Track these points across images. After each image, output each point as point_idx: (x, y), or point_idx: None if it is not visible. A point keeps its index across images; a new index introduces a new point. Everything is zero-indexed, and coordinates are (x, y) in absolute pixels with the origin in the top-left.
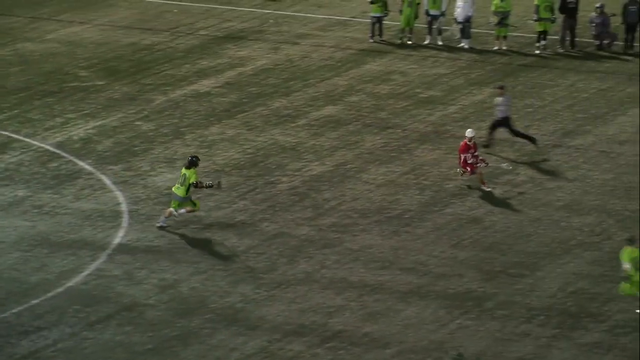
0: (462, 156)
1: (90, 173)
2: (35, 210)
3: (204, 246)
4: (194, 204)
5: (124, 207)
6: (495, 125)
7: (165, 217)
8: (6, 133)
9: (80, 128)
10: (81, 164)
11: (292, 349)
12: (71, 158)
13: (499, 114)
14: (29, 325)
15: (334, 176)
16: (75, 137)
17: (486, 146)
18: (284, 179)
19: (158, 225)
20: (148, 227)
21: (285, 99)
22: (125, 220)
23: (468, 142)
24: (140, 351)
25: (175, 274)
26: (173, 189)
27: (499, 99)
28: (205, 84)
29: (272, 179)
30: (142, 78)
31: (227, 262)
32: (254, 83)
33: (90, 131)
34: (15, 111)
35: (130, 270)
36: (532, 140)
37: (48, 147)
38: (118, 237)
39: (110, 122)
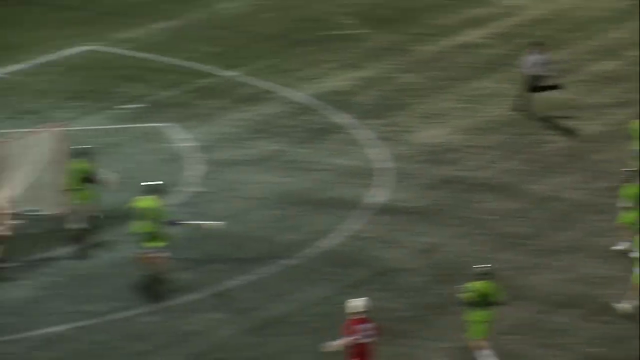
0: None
1: (348, 127)
2: (289, 166)
3: (466, 208)
4: None
5: (382, 165)
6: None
7: None
8: (261, 83)
9: (339, 79)
10: (339, 117)
11: (557, 321)
12: (328, 111)
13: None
14: (281, 287)
15: (612, 136)
16: (333, 89)
17: (523, 110)
18: (556, 137)
19: None
20: (407, 187)
21: (557, 52)
22: (383, 178)
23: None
24: (392, 317)
25: (433, 237)
26: None
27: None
28: (473, 34)
29: (542, 138)
30: (406, 27)
31: (489, 227)
32: (523, 34)
33: (350, 83)
34: (272, 60)
35: (387, 232)
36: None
37: (304, 98)
38: (375, 197)
39: (371, 73)
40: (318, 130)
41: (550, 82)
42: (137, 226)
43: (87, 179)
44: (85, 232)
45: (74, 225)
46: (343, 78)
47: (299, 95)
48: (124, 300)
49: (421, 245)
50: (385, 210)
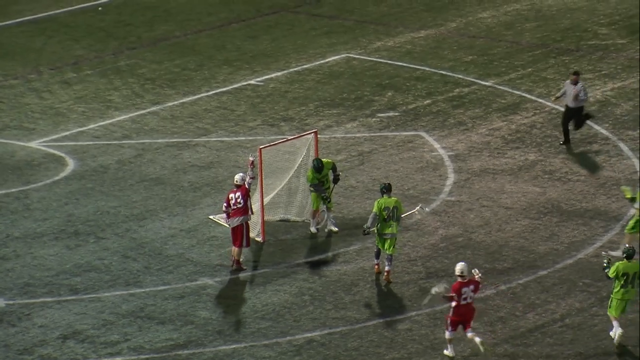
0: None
1: (606, 138)
2: (546, 176)
3: None
4: None
5: (637, 177)
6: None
7: None
8: (518, 92)
9: (597, 89)
10: (597, 127)
11: None
12: (586, 122)
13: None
14: (536, 297)
15: None
16: (591, 99)
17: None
18: None
19: None
20: None
21: None
22: (638, 191)
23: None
24: None
25: None
26: None
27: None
28: None
29: None
30: None
31: None
32: None
33: (608, 93)
34: (529, 69)
35: None
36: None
37: (561, 108)
38: (630, 209)
39: (629, 84)
40: (575, 140)
41: None
42: (382, 227)
43: (322, 184)
44: (334, 239)
45: (314, 230)
46: (600, 88)
47: (556, 105)
48: (375, 308)
49: None
50: None
